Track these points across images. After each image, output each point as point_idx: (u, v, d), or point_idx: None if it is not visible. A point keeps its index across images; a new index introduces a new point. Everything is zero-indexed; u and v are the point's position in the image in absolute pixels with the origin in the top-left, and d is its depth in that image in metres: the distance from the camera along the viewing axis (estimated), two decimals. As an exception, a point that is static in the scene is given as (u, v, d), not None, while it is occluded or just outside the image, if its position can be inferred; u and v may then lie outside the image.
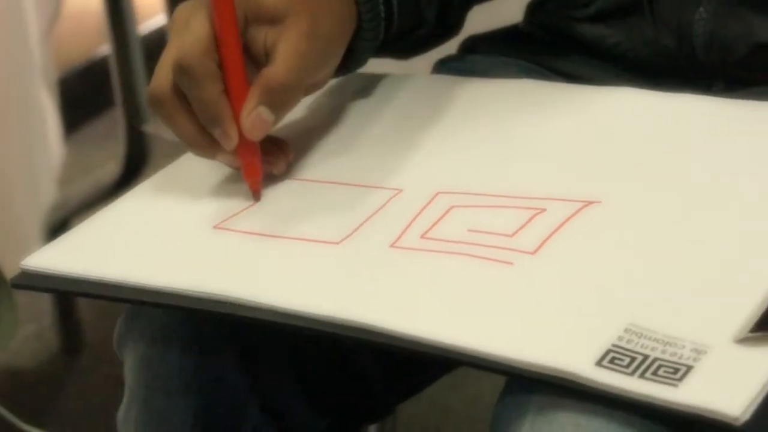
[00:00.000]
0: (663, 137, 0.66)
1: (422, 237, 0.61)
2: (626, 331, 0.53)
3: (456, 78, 0.75)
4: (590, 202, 0.62)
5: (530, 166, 0.66)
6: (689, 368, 0.51)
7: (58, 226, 1.48)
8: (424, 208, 0.63)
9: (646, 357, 0.52)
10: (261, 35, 0.64)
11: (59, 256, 0.64)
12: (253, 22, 0.64)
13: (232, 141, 0.64)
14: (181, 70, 0.63)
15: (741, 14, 0.70)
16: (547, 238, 0.59)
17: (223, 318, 0.61)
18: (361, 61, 0.70)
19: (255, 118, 0.63)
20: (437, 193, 0.64)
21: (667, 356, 0.52)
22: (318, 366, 0.69)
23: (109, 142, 1.75)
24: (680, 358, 0.51)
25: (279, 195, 0.66)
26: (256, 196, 0.66)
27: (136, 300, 0.62)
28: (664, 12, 0.73)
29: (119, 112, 1.44)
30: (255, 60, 0.65)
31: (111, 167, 1.53)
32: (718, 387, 0.50)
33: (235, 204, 0.66)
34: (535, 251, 0.59)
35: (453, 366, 0.71)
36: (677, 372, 0.51)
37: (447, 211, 0.63)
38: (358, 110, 0.72)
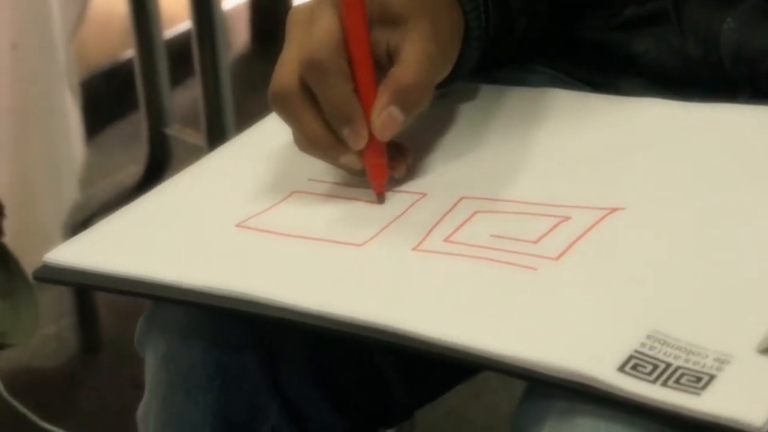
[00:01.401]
0: (689, 146, 0.66)
1: (445, 240, 0.61)
2: (649, 337, 0.53)
3: (482, 86, 0.75)
4: (614, 209, 0.61)
5: (555, 174, 0.66)
6: (712, 377, 0.51)
7: (79, 228, 1.48)
8: (448, 212, 0.63)
9: (668, 365, 0.52)
10: (384, 37, 0.64)
11: (82, 250, 0.64)
12: (377, 23, 0.64)
13: (362, 140, 0.63)
14: (312, 65, 0.62)
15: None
16: (571, 245, 0.59)
17: (244, 316, 0.61)
18: (468, 69, 0.70)
19: (386, 118, 0.62)
20: (461, 198, 0.64)
21: (690, 365, 0.51)
22: (338, 368, 0.69)
23: (131, 144, 1.76)
24: (703, 367, 0.51)
25: (302, 196, 0.66)
26: (380, 198, 0.65)
27: (158, 296, 0.62)
28: (692, 21, 0.73)
29: (142, 114, 1.45)
30: (376, 61, 0.64)
31: (133, 170, 1.53)
32: (741, 397, 0.50)
33: (259, 203, 0.66)
34: (559, 257, 0.59)
35: (473, 371, 0.71)
36: (700, 381, 0.51)
37: (471, 216, 0.63)
38: None
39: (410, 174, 0.67)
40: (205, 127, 1.35)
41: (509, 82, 0.76)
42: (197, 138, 1.37)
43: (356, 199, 0.66)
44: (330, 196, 0.67)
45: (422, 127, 0.71)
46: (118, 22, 1.94)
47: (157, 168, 1.44)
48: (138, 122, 1.51)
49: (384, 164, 0.64)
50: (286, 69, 0.63)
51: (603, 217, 0.61)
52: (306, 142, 0.64)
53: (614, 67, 0.77)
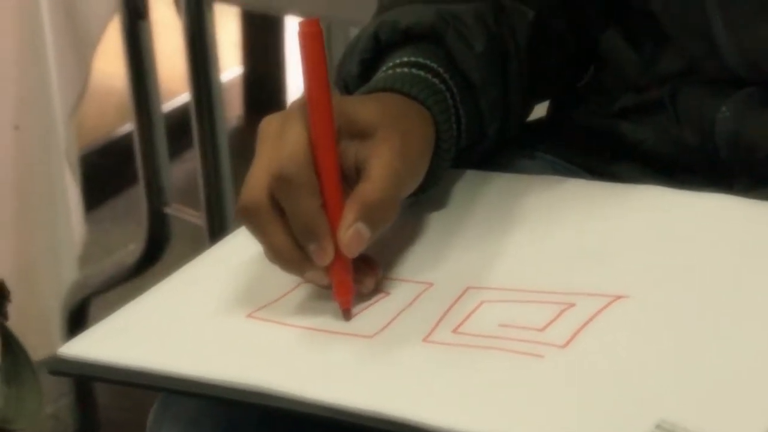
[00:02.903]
0: (689, 236, 0.67)
1: (454, 332, 0.62)
2: (658, 427, 0.54)
3: (483, 173, 0.76)
4: (619, 297, 0.63)
5: (558, 261, 0.67)
6: None
7: (78, 307, 1.49)
8: (455, 302, 0.65)
9: (677, 454, 0.53)
10: (352, 150, 0.65)
11: (95, 343, 0.65)
12: (346, 136, 0.65)
13: (328, 257, 0.63)
14: (281, 181, 0.62)
15: (764, 114, 0.72)
16: (577, 332, 0.60)
17: (257, 408, 0.62)
18: (438, 180, 0.71)
19: (353, 235, 0.63)
20: (467, 288, 0.66)
21: None
22: None
23: (129, 221, 1.77)
24: None
25: (310, 286, 0.67)
26: (346, 315, 0.64)
27: (171, 389, 0.63)
28: (687, 110, 0.75)
29: (141, 192, 1.46)
30: (345, 174, 0.65)
31: (132, 247, 1.54)
32: None
33: (268, 293, 0.67)
34: (566, 345, 0.60)
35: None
36: None
37: (478, 306, 0.64)
38: None
39: (417, 263, 0.68)
40: (204, 206, 1.36)
41: (509, 169, 0.78)
42: (197, 217, 1.38)
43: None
44: None
45: (427, 215, 0.72)
46: (114, 97, 1.96)
47: (157, 247, 1.44)
48: (135, 197, 1.52)
49: (350, 280, 0.64)
50: (256, 183, 0.63)
51: (608, 305, 0.62)
52: (273, 255, 0.64)
53: (611, 153, 0.79)
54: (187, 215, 1.42)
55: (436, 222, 0.72)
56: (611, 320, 0.61)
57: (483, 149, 0.77)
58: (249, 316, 0.66)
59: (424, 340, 0.62)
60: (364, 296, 0.65)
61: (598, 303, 0.62)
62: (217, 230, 1.34)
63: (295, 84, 2.36)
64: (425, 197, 0.72)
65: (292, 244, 0.63)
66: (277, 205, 0.63)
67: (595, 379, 0.57)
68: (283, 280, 0.68)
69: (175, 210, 1.42)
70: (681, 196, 0.70)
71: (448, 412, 0.57)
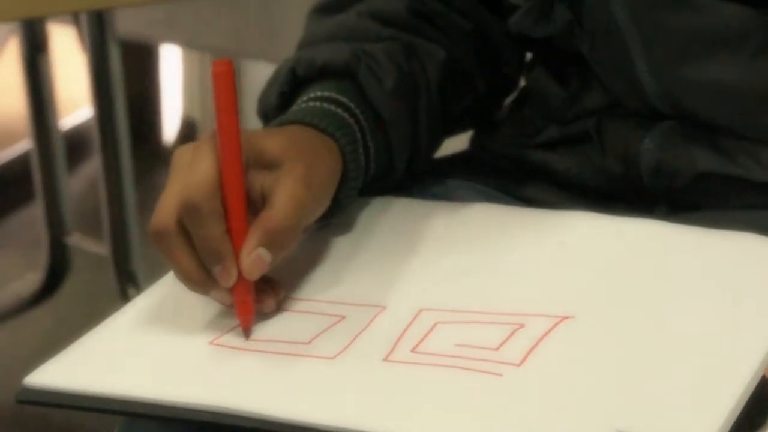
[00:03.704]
0: (620, 257, 0.72)
1: (413, 351, 0.66)
2: (615, 435, 0.58)
3: (423, 202, 0.80)
4: (565, 317, 0.67)
5: (503, 284, 0.71)
6: None
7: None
8: (410, 324, 0.68)
9: (631, 462, 0.57)
10: (259, 180, 0.69)
11: (60, 372, 0.67)
12: (253, 167, 0.69)
13: (231, 279, 0.68)
14: (188, 208, 0.67)
15: (684, 145, 0.77)
16: (530, 351, 0.64)
17: (223, 429, 0.64)
18: (344, 209, 0.76)
19: (255, 259, 0.67)
20: (420, 310, 0.69)
21: None
22: None
23: (26, 248, 1.73)
24: None
25: (271, 313, 0.70)
26: (246, 333, 0.69)
27: (135, 413, 0.65)
28: (612, 141, 0.80)
29: (41, 223, 1.45)
30: (252, 203, 0.69)
31: (31, 277, 1.52)
32: None
33: (230, 320, 0.69)
34: (521, 363, 0.64)
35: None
36: None
37: (433, 327, 0.68)
38: (331, 232, 0.77)
39: (368, 287, 0.72)
40: (109, 236, 1.36)
41: (443, 196, 0.81)
42: (100, 247, 1.38)
43: (321, 313, 0.70)
44: (296, 311, 0.70)
45: (368, 244, 0.76)
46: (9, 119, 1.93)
47: (57, 277, 1.43)
48: (30, 222, 1.49)
49: (251, 301, 0.69)
50: (165, 208, 0.68)
51: (555, 325, 0.67)
52: (181, 276, 0.69)
53: (539, 182, 0.83)
54: (87, 245, 1.41)
55: (379, 250, 0.75)
56: (561, 339, 0.65)
57: (393, 180, 0.81)
58: (212, 342, 0.68)
59: (385, 359, 0.65)
60: (266, 315, 0.70)
61: (546, 323, 0.67)
62: (121, 260, 1.34)
63: (171, 108, 2.36)
64: (378, 227, 0.75)
65: (198, 266, 0.68)
66: (185, 230, 0.68)
67: (552, 394, 0.62)
68: None
69: (77, 241, 1.41)
70: (609, 221, 0.75)
71: (412, 426, 0.60)
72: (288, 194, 0.68)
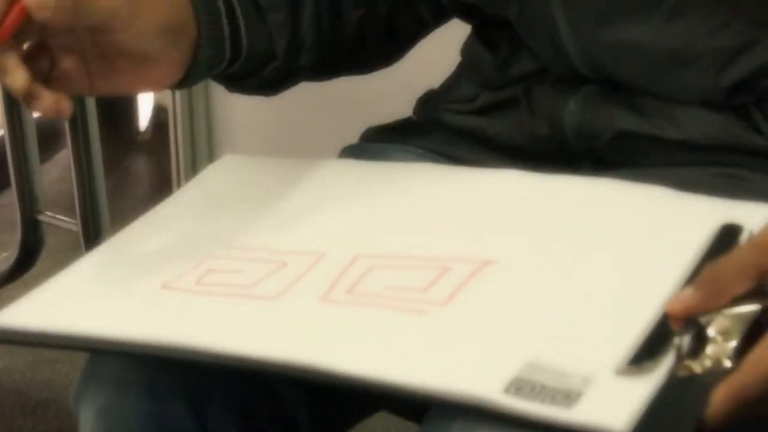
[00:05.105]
0: (541, 209, 0.78)
1: (348, 293, 0.71)
2: (527, 364, 0.64)
3: (362, 162, 0.86)
4: (488, 262, 0.73)
5: (433, 233, 0.77)
6: (579, 394, 0.62)
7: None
8: (347, 269, 0.74)
9: (544, 386, 0.62)
10: None
11: (26, 312, 0.72)
12: None
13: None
14: None
15: (604, 106, 0.83)
16: (455, 292, 0.70)
17: (176, 362, 0.69)
18: (197, 74, 0.79)
19: None
20: (356, 257, 0.75)
21: (561, 385, 0.62)
22: (257, 408, 0.78)
23: (3, 232, 1.77)
24: (572, 386, 0.62)
25: (218, 260, 0.76)
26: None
27: (96, 348, 0.71)
28: (539, 105, 0.85)
29: (15, 200, 1.50)
30: None
31: (5, 255, 1.57)
32: (604, 408, 0.61)
33: (181, 266, 0.75)
34: (446, 303, 0.69)
35: (376, 406, 0.81)
36: (569, 397, 0.62)
37: (367, 271, 0.73)
38: (277, 191, 0.83)
39: (309, 237, 0.77)
40: (79, 214, 1.41)
41: (383, 159, 0.87)
42: (71, 224, 1.43)
43: (265, 260, 0.75)
44: (242, 259, 0.76)
45: (311, 200, 0.81)
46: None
47: (30, 254, 1.48)
48: (9, 206, 1.54)
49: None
50: None
51: (479, 269, 0.72)
52: None
53: (472, 145, 0.89)
54: (60, 223, 1.46)
55: (321, 205, 0.81)
56: (483, 281, 0.71)
57: (275, 68, 0.85)
58: (164, 286, 0.73)
59: (322, 299, 0.71)
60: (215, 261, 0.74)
61: (470, 267, 0.72)
62: (92, 236, 1.39)
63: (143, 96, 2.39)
64: (320, 184, 0.81)
65: None
66: None
67: (473, 329, 0.67)
68: (192, 254, 0.76)
69: (49, 218, 1.46)
70: (534, 177, 0.81)
71: (345, 358, 0.65)
72: None
